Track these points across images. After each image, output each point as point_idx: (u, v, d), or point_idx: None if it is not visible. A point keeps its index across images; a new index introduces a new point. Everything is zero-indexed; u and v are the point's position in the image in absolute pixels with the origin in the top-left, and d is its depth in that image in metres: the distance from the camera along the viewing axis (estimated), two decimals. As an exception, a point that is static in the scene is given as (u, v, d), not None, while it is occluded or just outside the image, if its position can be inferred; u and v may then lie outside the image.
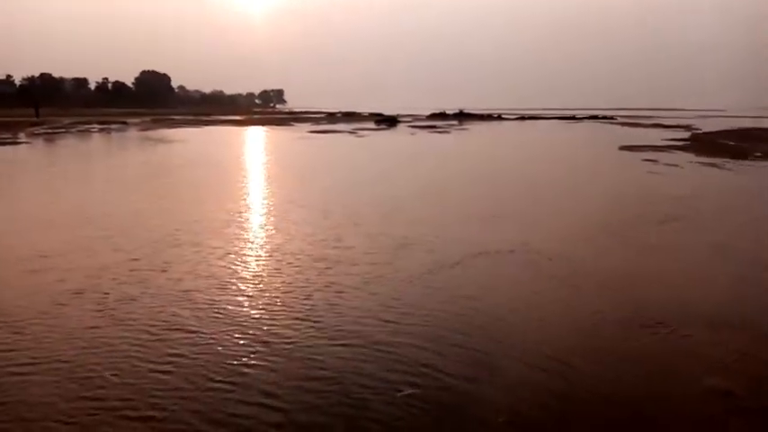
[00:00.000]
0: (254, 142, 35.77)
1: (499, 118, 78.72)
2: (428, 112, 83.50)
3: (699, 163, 21.34)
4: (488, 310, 6.12)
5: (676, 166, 20.31)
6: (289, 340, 5.28)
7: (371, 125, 55.95)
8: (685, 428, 4.01)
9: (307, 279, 7.05)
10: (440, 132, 45.13)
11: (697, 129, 48.62)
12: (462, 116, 76.38)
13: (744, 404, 4.26)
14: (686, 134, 40.73)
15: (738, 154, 24.65)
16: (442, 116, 77.14)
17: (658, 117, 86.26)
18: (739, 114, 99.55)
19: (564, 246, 8.77)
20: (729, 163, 21.26)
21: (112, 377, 4.55)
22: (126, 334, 5.38)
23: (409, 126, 54.82)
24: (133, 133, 41.99)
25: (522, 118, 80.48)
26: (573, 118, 78.11)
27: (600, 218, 11.13)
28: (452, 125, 58.12)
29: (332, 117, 77.81)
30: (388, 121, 60.13)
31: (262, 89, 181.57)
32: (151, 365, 4.75)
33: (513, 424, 4.01)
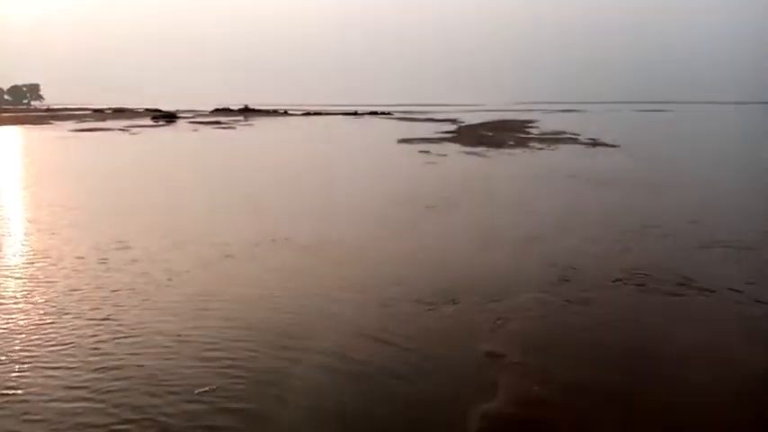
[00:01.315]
0: None
1: (285, 113, 78.98)
2: (212, 108, 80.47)
3: (465, 152, 23.69)
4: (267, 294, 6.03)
5: (446, 155, 22.31)
6: None
7: (148, 122, 52.11)
8: (468, 390, 4.31)
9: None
10: (224, 128, 43.74)
11: (462, 122, 54.00)
12: (248, 111, 75.10)
13: (511, 361, 4.75)
14: (453, 127, 44.96)
15: (496, 143, 27.92)
16: (226, 112, 74.96)
17: (430, 112, 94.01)
18: (496, 108, 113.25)
19: (341, 232, 9.08)
20: (490, 151, 23.96)
21: None
22: None
23: (191, 122, 52.22)
24: None
25: (308, 113, 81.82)
26: (355, 113, 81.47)
27: (380, 204, 11.71)
28: (238, 121, 56.78)
29: (100, 114, 70.96)
30: (167, 117, 56.66)
31: (12, 84, 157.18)
32: None
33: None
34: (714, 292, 6.37)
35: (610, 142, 28.45)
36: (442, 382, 4.48)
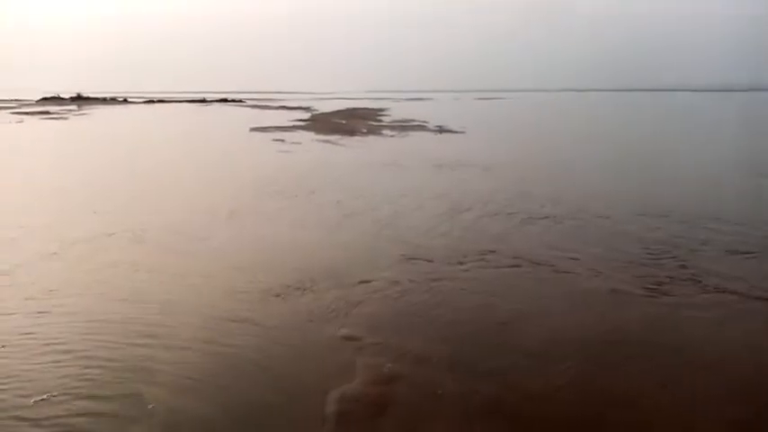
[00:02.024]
0: None
1: (125, 102, 73.48)
2: (38, 97, 72.56)
3: (319, 140, 23.76)
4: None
5: (301, 144, 22.23)
6: None
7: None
8: (326, 374, 4.41)
9: None
10: (55, 119, 39.73)
11: (315, 110, 54.00)
12: (81, 100, 68.84)
13: (367, 342, 4.94)
14: (307, 115, 44.82)
15: (350, 131, 28.33)
16: (56, 101, 68.05)
17: (283, 99, 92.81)
18: (348, 97, 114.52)
19: (201, 225, 8.79)
20: (344, 139, 24.26)
21: None
22: None
23: (14, 113, 46.75)
24: None
25: (151, 101, 76.84)
26: (203, 101, 78.03)
27: (232, 194, 11.43)
28: (71, 110, 51.84)
29: None
30: (-17, 108, 50.15)
31: None
32: None
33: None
34: (547, 265, 7.06)
35: (456, 129, 30.11)
36: (300, 368, 4.55)
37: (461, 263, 7.06)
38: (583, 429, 3.76)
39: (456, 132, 28.36)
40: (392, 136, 26.25)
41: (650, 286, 6.25)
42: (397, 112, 51.53)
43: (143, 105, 67.80)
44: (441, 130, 29.90)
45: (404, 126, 32.34)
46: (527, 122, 40.48)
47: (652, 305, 5.80)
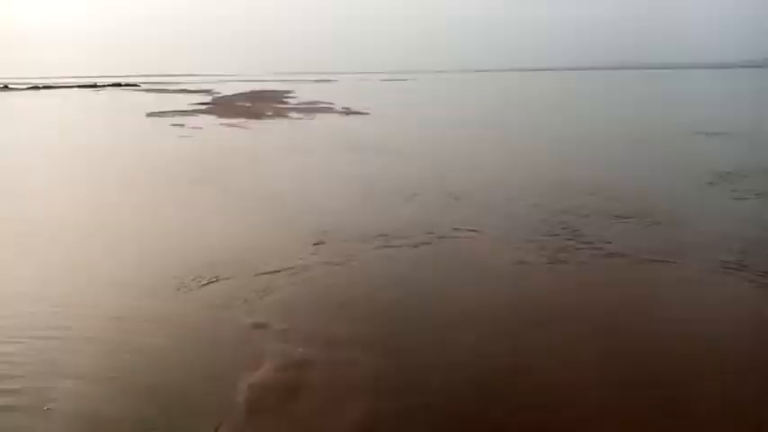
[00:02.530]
0: None
1: (6, 88, 67.58)
2: None
3: (222, 124, 22.96)
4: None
5: (202, 128, 21.37)
6: None
7: None
8: (236, 363, 4.27)
9: None
10: None
11: (218, 93, 52.17)
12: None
13: (277, 328, 4.83)
14: (209, 98, 43.21)
15: (255, 114, 27.60)
16: None
17: (183, 83, 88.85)
18: (252, 79, 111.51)
19: (91, 217, 8.26)
20: (249, 122, 23.59)
21: None
22: None
23: None
24: None
25: (36, 87, 71.13)
26: (95, 86, 73.26)
27: (128, 186, 10.83)
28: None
29: None
30: None
31: None
32: None
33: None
34: (456, 241, 7.21)
35: (362, 110, 30.10)
36: (208, 360, 4.38)
37: (372, 243, 7.05)
38: (491, 395, 3.86)
39: (362, 113, 28.36)
40: (299, 118, 25.86)
41: (550, 255, 6.52)
42: (303, 93, 50.84)
43: (26, 92, 62.62)
44: (347, 111, 29.80)
45: (311, 108, 31.95)
46: (430, 104, 41.14)
47: (553, 272, 6.06)
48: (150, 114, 27.95)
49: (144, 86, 73.09)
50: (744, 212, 8.44)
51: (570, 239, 7.07)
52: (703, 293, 5.56)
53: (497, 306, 5.25)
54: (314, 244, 7.06)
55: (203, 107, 33.04)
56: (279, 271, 6.15)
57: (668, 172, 11.79)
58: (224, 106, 33.96)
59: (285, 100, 40.67)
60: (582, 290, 5.62)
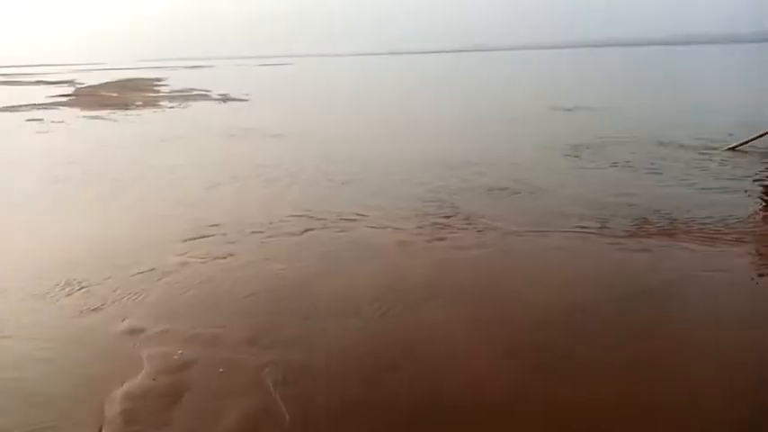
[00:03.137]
0: None
1: None
2: None
3: (86, 117, 21.35)
4: None
5: (63, 122, 19.73)
6: None
7: None
8: (111, 371, 4.00)
9: None
10: None
11: (81, 83, 48.32)
12: None
13: (154, 331, 4.59)
14: (71, 89, 39.93)
15: (122, 105, 25.89)
16: None
17: (40, 74, 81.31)
18: (119, 67, 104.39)
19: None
20: (116, 114, 22.09)
21: None
22: None
23: None
24: None
25: None
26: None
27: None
28: None
29: None
30: None
31: None
32: None
33: None
34: (337, 225, 7.20)
35: (240, 97, 29.19)
36: (78, 373, 4.07)
37: (253, 235, 6.88)
38: (378, 378, 3.91)
39: (240, 100, 27.54)
40: (172, 107, 24.63)
41: (430, 234, 6.71)
42: (175, 81, 48.42)
43: None
44: (224, 98, 28.79)
45: (184, 96, 30.52)
46: (313, 88, 40.81)
47: (433, 250, 6.24)
48: (2, 109, 25.33)
49: (-7, 78, 65.95)
50: (603, 180, 9.17)
51: (449, 216, 7.31)
52: (572, 258, 5.97)
53: (380, 288, 5.30)
54: (193, 238, 6.77)
55: (65, 99, 30.47)
56: (155, 270, 5.84)
57: (535, 145, 12.56)
58: (88, 97, 31.54)
59: (156, 88, 38.51)
60: (459, 264, 5.84)
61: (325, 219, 7.39)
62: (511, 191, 8.59)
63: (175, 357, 4.22)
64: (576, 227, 6.74)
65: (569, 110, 19.07)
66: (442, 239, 6.53)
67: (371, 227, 7.11)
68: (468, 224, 7.00)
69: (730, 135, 11.99)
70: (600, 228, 6.69)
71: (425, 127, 17.07)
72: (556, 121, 17.00)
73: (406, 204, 7.99)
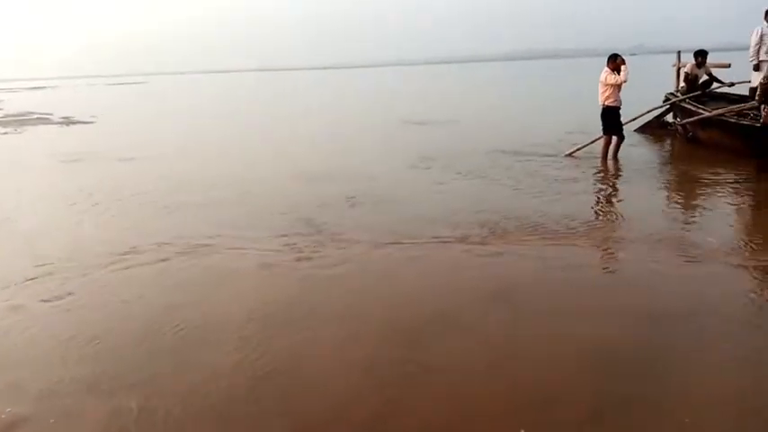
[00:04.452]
0: None
1: None
2: None
3: None
4: None
5: None
6: None
7: None
8: None
9: None
10: None
11: None
12: None
13: None
14: None
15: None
16: None
17: None
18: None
19: None
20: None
21: None
22: None
23: None
24: None
25: None
26: None
27: None
28: None
29: None
30: None
31: None
32: None
33: None
34: (194, 252, 6.78)
35: (85, 119, 27.07)
36: None
37: (97, 268, 6.28)
38: (236, 414, 3.68)
39: (85, 123, 25.54)
40: (5, 133, 22.22)
41: (295, 254, 6.55)
42: (12, 104, 43.92)
43: None
44: (67, 121, 26.52)
45: (21, 120, 27.68)
46: (166, 107, 38.95)
47: (296, 270, 6.07)
48: None
49: None
50: (454, 190, 9.55)
51: (310, 234, 7.20)
52: (431, 267, 6.10)
53: (240, 316, 5.04)
54: (30, 277, 6.04)
55: None
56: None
57: (388, 158, 12.92)
58: None
59: (-14, 113, 34.57)
60: (323, 284, 5.74)
61: (178, 245, 6.95)
62: (370, 204, 8.70)
63: (4, 416, 3.69)
64: (434, 237, 6.92)
65: (421, 123, 19.89)
66: (304, 259, 6.40)
67: (232, 249, 6.80)
68: (330, 241, 6.94)
69: (564, 142, 13.06)
70: (456, 236, 6.92)
71: (281, 143, 16.99)
72: (407, 134, 17.65)
73: (266, 223, 7.77)
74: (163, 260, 6.51)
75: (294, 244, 6.86)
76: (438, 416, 3.56)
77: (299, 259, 6.39)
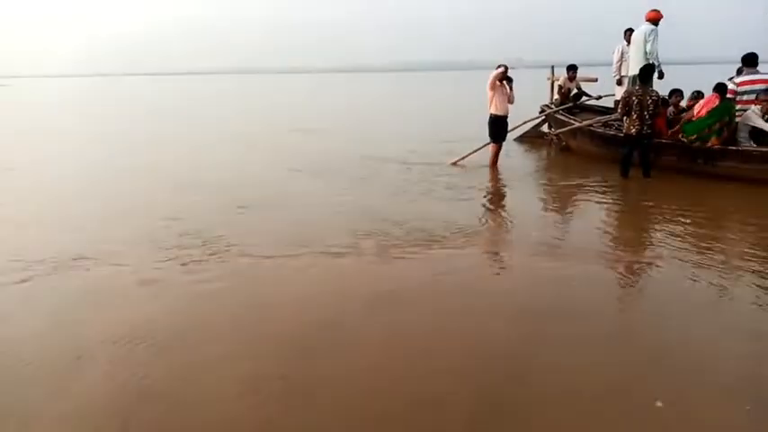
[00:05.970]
0: None
1: None
2: None
3: None
4: None
5: None
6: None
7: None
8: None
9: None
10: None
11: None
12: None
13: None
14: None
15: None
16: None
17: None
18: None
19: None
20: None
21: None
22: None
23: None
24: None
25: None
26: None
27: None
28: None
29: None
30: None
31: None
32: None
33: None
34: (68, 268, 6.28)
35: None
36: None
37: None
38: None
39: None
40: None
41: (187, 267, 6.25)
42: None
43: None
44: None
45: None
46: (47, 113, 36.01)
47: (179, 286, 5.78)
48: None
49: None
50: (347, 199, 9.56)
51: (194, 247, 6.89)
52: (321, 276, 6.03)
53: (115, 340, 4.68)
54: None
55: None
56: None
57: (275, 166, 12.84)
58: None
59: None
60: (208, 300, 5.50)
61: (47, 263, 6.40)
62: (258, 212, 8.56)
63: None
64: (325, 245, 6.87)
65: (310, 131, 19.89)
66: (188, 273, 6.12)
67: (110, 265, 6.37)
68: (214, 253, 6.69)
69: (448, 150, 13.52)
70: (347, 245, 6.90)
71: (162, 148, 16.31)
72: (297, 142, 17.59)
73: (145, 236, 7.36)
74: (26, 280, 5.95)
75: (176, 257, 6.54)
76: (321, 429, 3.51)
77: (179, 273, 6.10)
